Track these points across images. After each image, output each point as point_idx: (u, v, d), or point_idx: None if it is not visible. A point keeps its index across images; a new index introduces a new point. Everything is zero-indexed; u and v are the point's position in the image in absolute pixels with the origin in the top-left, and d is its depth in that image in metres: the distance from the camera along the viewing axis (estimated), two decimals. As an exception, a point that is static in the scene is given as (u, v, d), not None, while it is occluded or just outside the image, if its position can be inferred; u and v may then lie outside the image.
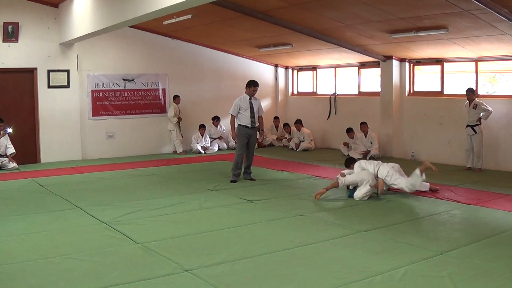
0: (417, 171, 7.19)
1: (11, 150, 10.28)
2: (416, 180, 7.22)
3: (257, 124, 8.95)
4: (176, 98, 12.68)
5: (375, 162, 7.81)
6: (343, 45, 10.97)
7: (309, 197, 7.50)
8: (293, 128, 13.75)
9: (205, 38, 12.89)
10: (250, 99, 8.86)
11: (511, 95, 9.73)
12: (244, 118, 8.84)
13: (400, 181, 7.32)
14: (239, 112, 8.86)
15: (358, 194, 7.26)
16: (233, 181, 8.75)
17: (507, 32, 8.31)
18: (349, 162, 8.14)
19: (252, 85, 8.89)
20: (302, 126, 13.46)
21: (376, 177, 7.51)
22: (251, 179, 8.93)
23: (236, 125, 8.97)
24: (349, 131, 12.03)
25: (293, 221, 6.16)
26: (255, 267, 4.54)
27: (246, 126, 8.84)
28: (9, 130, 10.38)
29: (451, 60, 10.66)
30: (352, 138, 12.06)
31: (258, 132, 9.30)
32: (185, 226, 5.95)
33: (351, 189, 7.58)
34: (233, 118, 9.01)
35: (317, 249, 5.07)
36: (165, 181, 9.03)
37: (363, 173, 7.46)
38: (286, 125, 14.24)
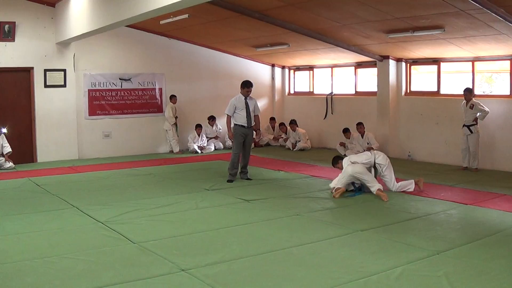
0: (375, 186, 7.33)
1: (8, 149, 10.25)
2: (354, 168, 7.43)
3: (253, 124, 8.95)
4: (172, 98, 12.67)
5: (368, 153, 7.91)
6: (340, 45, 10.97)
7: (306, 196, 7.51)
8: (288, 128, 13.76)
9: (202, 38, 12.88)
10: (245, 98, 8.85)
11: (507, 95, 9.75)
12: (240, 118, 8.82)
13: (387, 176, 7.74)
14: (235, 111, 8.85)
15: (374, 186, 7.30)
16: (229, 181, 8.74)
17: (504, 32, 8.33)
18: (335, 161, 8.12)
19: (246, 86, 8.87)
20: (297, 126, 13.45)
21: (374, 166, 7.67)
22: (248, 179, 8.93)
23: (232, 125, 8.97)
24: (346, 131, 12.03)
25: (290, 221, 6.16)
26: (252, 266, 4.54)
27: (242, 126, 8.83)
28: (4, 130, 10.35)
29: (447, 60, 10.68)
30: (349, 138, 12.07)
31: (254, 132, 9.30)
32: (182, 226, 5.94)
33: (356, 189, 7.62)
34: (229, 118, 9.00)
35: (314, 248, 5.07)
36: (161, 180, 9.02)
37: (347, 169, 7.49)
38: (282, 124, 14.25)
